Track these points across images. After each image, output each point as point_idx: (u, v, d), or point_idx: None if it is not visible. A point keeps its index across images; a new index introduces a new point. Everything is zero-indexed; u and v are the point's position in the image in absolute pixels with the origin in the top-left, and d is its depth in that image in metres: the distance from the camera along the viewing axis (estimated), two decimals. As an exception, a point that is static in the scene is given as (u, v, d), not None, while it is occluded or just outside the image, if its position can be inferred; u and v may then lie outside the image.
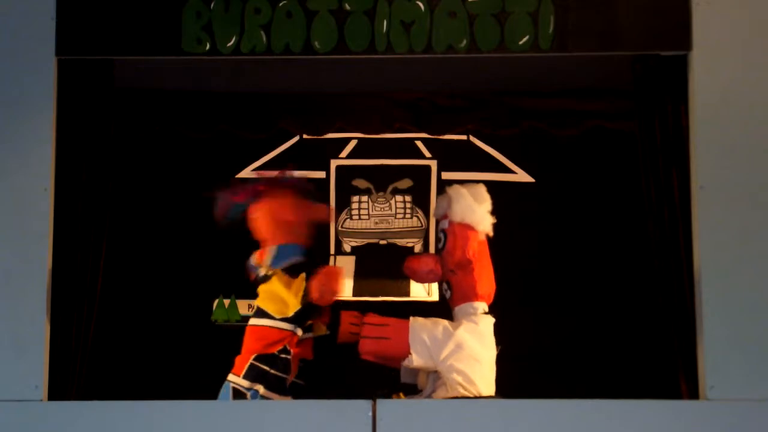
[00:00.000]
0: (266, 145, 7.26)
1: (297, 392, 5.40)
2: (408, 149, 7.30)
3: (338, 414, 4.86)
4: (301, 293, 5.40)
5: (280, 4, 5.35)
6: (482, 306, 5.57)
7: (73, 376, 5.55)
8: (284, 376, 5.37)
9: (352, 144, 7.31)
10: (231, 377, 5.39)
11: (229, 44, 5.36)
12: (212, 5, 5.37)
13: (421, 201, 7.26)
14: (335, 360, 5.87)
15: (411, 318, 5.49)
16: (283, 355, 5.39)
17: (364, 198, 7.28)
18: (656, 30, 5.42)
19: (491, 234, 5.70)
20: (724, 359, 5.11)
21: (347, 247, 7.26)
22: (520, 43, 5.36)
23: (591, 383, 6.66)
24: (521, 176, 7.20)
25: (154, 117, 6.89)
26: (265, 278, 5.51)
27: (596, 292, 7.04)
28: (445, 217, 5.67)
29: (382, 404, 4.85)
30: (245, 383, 5.33)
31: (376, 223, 7.27)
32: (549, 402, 5.00)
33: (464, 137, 7.26)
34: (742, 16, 5.38)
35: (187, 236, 6.98)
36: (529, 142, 7.13)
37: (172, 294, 6.94)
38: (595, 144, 7.07)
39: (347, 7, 5.34)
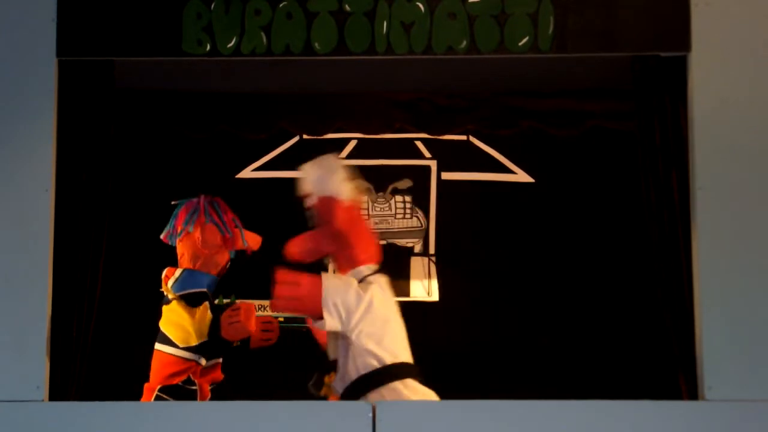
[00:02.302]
0: (266, 145, 7.27)
1: None
2: (408, 149, 7.31)
3: (338, 415, 4.86)
4: (206, 326, 5.39)
5: (281, 6, 5.36)
6: (370, 267, 5.35)
7: (74, 377, 5.56)
8: None
9: (352, 144, 7.32)
10: None
11: (230, 45, 5.36)
12: (212, 6, 5.37)
13: (420, 201, 7.27)
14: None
15: (323, 276, 5.13)
16: (188, 386, 5.39)
17: (364, 198, 7.29)
18: (656, 31, 5.42)
19: (357, 199, 5.47)
20: (723, 360, 5.12)
21: (347, 247, 7.26)
22: (520, 44, 5.36)
23: (590, 383, 6.67)
24: (521, 176, 7.22)
25: (154, 117, 6.90)
26: (167, 300, 5.52)
27: (596, 292, 7.05)
28: (308, 195, 5.34)
29: (382, 405, 4.85)
30: None
31: (376, 223, 7.28)
32: (548, 402, 5.01)
33: (464, 137, 7.28)
34: (742, 17, 5.38)
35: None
36: (528, 143, 7.14)
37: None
38: (595, 144, 7.09)
39: (347, 8, 5.35)
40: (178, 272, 5.56)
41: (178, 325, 5.43)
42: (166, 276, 5.58)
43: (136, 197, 6.99)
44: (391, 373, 5.01)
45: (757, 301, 5.16)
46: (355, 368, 5.04)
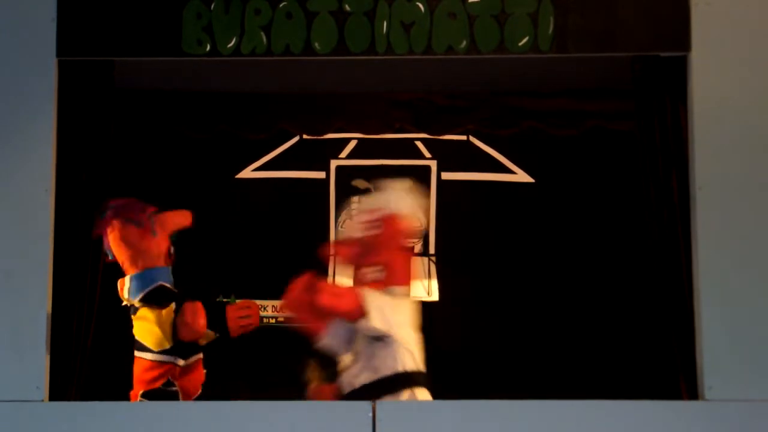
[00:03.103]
0: (266, 145, 7.27)
1: None
2: (408, 149, 7.31)
3: (338, 415, 4.86)
4: (170, 327, 5.36)
5: (281, 5, 5.36)
6: (405, 289, 5.41)
7: (74, 377, 5.56)
8: None
9: (352, 144, 7.32)
10: None
11: (230, 45, 5.36)
12: (212, 6, 5.37)
13: (420, 201, 7.27)
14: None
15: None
16: (169, 388, 5.37)
17: (364, 198, 7.29)
18: (655, 31, 5.42)
19: (418, 226, 5.54)
20: (723, 360, 5.12)
21: (347, 248, 7.26)
22: (520, 44, 5.36)
23: (590, 383, 6.67)
24: (521, 176, 7.22)
25: (154, 117, 6.91)
26: (134, 309, 5.46)
27: (596, 292, 7.05)
28: (378, 209, 5.42)
29: (382, 405, 4.85)
30: None
31: (376, 223, 7.27)
32: (548, 402, 5.01)
33: (464, 137, 7.28)
34: (742, 17, 5.38)
35: (187, 236, 6.98)
36: (528, 143, 7.14)
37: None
38: (595, 144, 7.09)
39: (347, 8, 5.35)
40: (126, 280, 5.48)
41: (149, 330, 5.39)
42: (120, 289, 5.52)
43: (136, 197, 6.98)
44: (420, 379, 5.11)
45: (757, 301, 5.16)
46: (391, 365, 5.10)
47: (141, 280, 5.43)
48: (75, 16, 5.37)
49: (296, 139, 7.28)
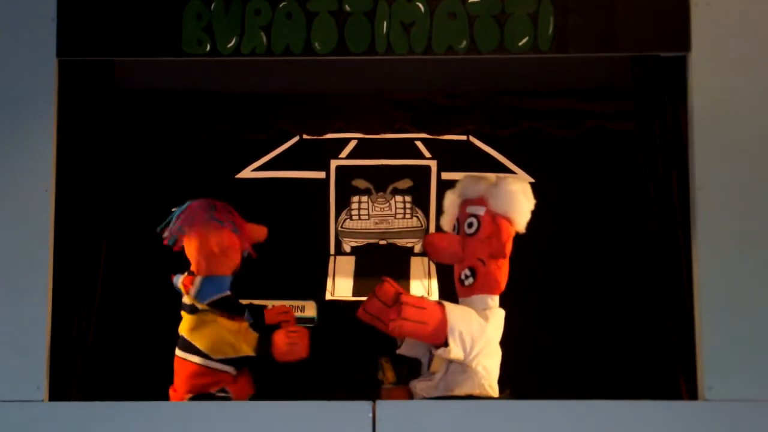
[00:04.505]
0: (266, 145, 7.27)
1: None
2: (408, 149, 7.31)
3: (338, 415, 4.86)
4: (252, 342, 5.33)
5: (281, 6, 5.35)
6: (497, 299, 5.50)
7: (74, 377, 5.56)
8: None
9: (352, 144, 7.32)
10: None
11: (230, 45, 5.36)
12: (212, 6, 5.37)
13: (421, 201, 7.28)
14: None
15: (445, 305, 5.29)
16: (221, 395, 5.37)
17: (364, 198, 7.29)
18: (655, 31, 5.42)
19: (522, 232, 5.59)
20: (723, 360, 5.12)
21: (347, 248, 7.27)
22: (520, 44, 5.36)
23: (591, 383, 6.67)
24: (521, 176, 7.22)
25: (154, 118, 6.91)
26: (193, 310, 5.48)
27: (596, 292, 7.05)
28: (478, 201, 5.49)
29: (382, 405, 4.86)
30: None
31: (376, 223, 7.28)
32: (549, 402, 5.01)
33: (464, 137, 7.28)
34: (742, 17, 5.38)
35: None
36: (528, 143, 7.14)
37: (172, 294, 6.94)
38: (595, 144, 7.09)
39: (347, 8, 5.35)
40: (197, 281, 5.51)
41: (215, 337, 5.38)
42: (185, 286, 5.54)
43: (136, 197, 6.98)
44: None
45: (757, 301, 5.16)
46: (465, 388, 5.19)
47: (213, 285, 5.48)
48: (75, 16, 5.37)
49: (296, 139, 7.28)
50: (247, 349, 5.33)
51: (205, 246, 5.51)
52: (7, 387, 5.09)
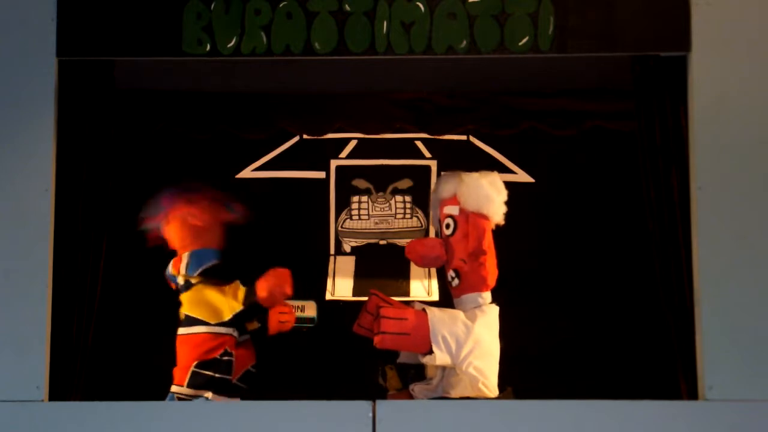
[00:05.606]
0: (266, 145, 7.27)
1: (243, 394, 5.53)
2: (408, 149, 7.31)
3: (338, 415, 4.87)
4: (241, 295, 5.49)
5: (281, 5, 5.36)
6: (488, 295, 5.53)
7: (74, 377, 5.55)
8: (228, 377, 5.47)
9: (352, 144, 7.32)
10: (174, 388, 5.43)
11: (230, 45, 5.37)
12: (212, 6, 5.37)
13: (421, 201, 7.27)
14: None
15: (427, 310, 5.38)
16: (225, 358, 5.47)
17: (364, 198, 7.29)
18: (656, 31, 5.43)
19: (502, 224, 5.65)
20: (723, 360, 5.12)
21: (347, 247, 7.27)
22: (520, 44, 5.36)
23: (591, 383, 6.67)
24: (521, 176, 7.21)
25: (154, 117, 6.90)
26: (188, 286, 5.61)
27: (596, 292, 7.05)
28: (451, 201, 5.56)
29: (382, 405, 4.86)
30: (190, 391, 5.39)
31: (376, 223, 7.28)
32: (548, 402, 5.01)
33: (464, 137, 7.27)
34: (742, 17, 5.39)
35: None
36: (528, 142, 7.14)
37: (172, 294, 6.94)
38: (595, 144, 7.08)
39: (347, 8, 5.35)
40: (185, 256, 5.62)
41: (206, 303, 5.53)
42: (174, 266, 5.65)
43: (136, 197, 6.98)
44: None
45: (756, 301, 5.16)
46: (461, 391, 5.22)
47: (201, 256, 5.58)
48: (75, 16, 5.37)
49: (296, 139, 7.28)
50: (236, 305, 5.50)
51: (186, 222, 5.60)
52: (7, 387, 5.10)
